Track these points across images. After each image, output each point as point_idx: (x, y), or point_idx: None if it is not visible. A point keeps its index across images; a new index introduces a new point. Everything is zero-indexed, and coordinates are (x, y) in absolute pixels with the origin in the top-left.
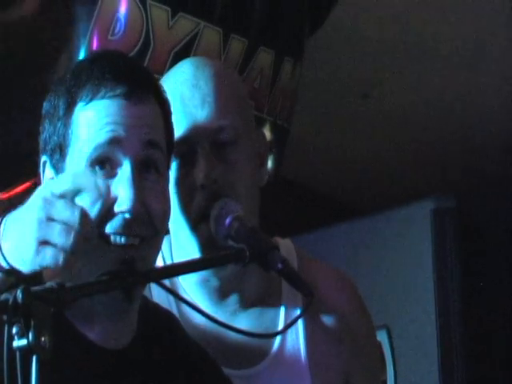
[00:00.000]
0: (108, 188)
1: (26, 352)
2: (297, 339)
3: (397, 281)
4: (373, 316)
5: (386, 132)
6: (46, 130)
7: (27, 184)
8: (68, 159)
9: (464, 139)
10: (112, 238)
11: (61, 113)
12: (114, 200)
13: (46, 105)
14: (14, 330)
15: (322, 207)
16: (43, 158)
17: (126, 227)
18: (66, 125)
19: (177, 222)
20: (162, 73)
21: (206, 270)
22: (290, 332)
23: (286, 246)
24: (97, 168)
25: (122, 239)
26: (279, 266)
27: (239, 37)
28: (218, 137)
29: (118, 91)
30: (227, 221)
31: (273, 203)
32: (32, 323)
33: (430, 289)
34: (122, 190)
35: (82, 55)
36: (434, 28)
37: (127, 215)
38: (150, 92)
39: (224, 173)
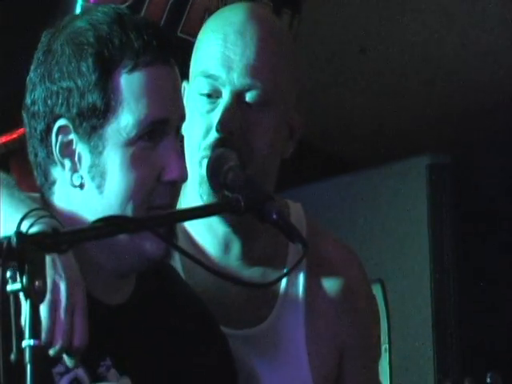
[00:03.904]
0: None
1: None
2: (297, 303)
3: (392, 235)
4: (367, 270)
5: (384, 86)
6: (69, 92)
7: (23, 130)
8: (110, 126)
9: (464, 94)
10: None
11: (93, 77)
12: (162, 168)
13: (62, 65)
14: (8, 274)
15: (318, 161)
16: (61, 122)
17: (172, 196)
18: (106, 91)
19: (188, 154)
20: (159, 23)
21: (213, 218)
22: (291, 296)
23: (296, 210)
24: (146, 137)
25: (166, 207)
26: (274, 216)
27: None
28: (245, 94)
29: (158, 59)
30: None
31: None
32: (26, 267)
33: (425, 243)
34: (172, 158)
35: (78, 6)
36: None
37: (176, 183)
38: (175, 51)
39: (243, 129)
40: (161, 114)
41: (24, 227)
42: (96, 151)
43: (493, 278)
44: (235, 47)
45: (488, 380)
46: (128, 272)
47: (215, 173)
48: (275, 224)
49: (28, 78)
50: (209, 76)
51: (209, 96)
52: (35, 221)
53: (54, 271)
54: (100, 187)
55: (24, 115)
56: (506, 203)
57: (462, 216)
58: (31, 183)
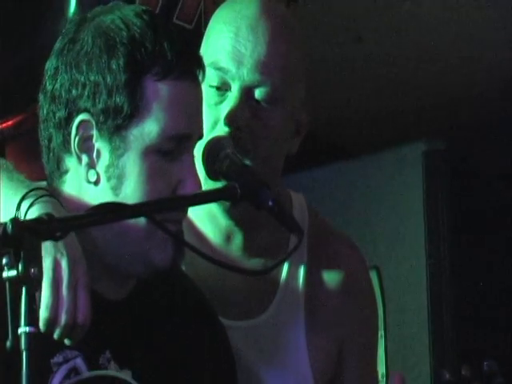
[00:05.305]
0: None
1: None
2: (297, 295)
3: (387, 222)
4: None
5: (380, 73)
6: (97, 87)
7: (19, 117)
8: (134, 129)
9: (458, 81)
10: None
11: (123, 77)
12: (178, 183)
13: (92, 57)
14: (4, 261)
15: (314, 148)
16: (84, 116)
17: (186, 211)
18: (134, 94)
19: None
20: (155, 10)
21: (216, 207)
22: (292, 287)
23: (298, 201)
24: (166, 152)
25: (180, 221)
26: (270, 203)
27: None
28: (255, 90)
29: (188, 74)
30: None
31: None
32: (22, 254)
33: (420, 230)
34: (189, 174)
35: None
36: None
37: None
38: (203, 68)
39: (250, 125)
40: (185, 130)
41: (23, 208)
42: (117, 152)
43: (489, 263)
44: (247, 42)
45: (485, 368)
46: (134, 275)
47: (211, 160)
48: (270, 211)
49: (49, 63)
50: (219, 69)
51: (218, 88)
52: (34, 200)
53: (56, 249)
54: (115, 189)
55: (41, 97)
56: (503, 189)
57: (457, 202)
58: (27, 170)
